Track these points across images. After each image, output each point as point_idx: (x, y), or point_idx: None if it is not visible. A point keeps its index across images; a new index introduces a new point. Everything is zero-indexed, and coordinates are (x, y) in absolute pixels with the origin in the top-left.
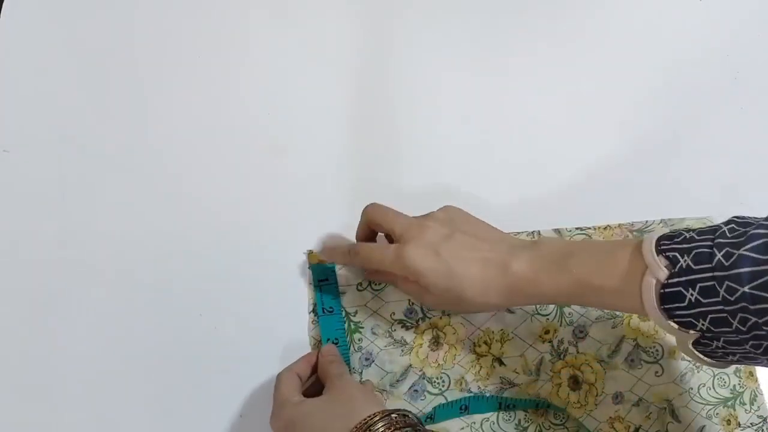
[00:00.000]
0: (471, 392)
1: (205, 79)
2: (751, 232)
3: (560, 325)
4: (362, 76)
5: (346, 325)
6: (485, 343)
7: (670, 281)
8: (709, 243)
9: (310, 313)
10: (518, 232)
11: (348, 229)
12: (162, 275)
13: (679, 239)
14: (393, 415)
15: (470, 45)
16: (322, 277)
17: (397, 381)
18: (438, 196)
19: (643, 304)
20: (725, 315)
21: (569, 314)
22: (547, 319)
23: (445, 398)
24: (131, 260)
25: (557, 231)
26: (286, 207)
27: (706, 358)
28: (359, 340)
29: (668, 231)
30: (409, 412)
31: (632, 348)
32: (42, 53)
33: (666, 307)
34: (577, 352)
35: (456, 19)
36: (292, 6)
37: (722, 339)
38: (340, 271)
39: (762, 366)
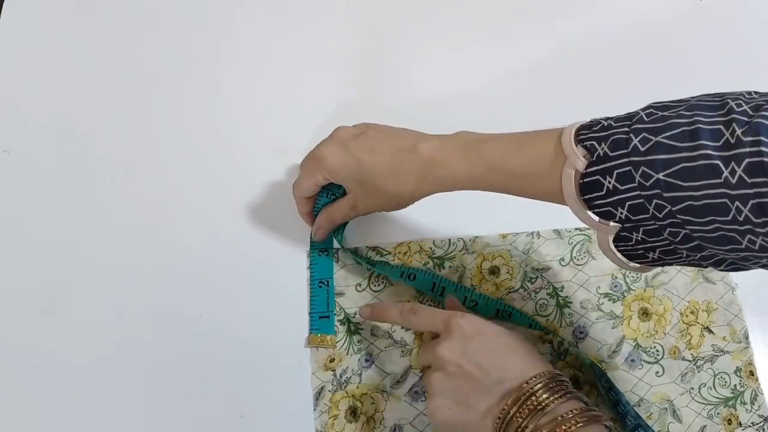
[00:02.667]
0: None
1: (206, 79)
2: (670, 120)
3: (560, 326)
4: (362, 76)
5: (345, 326)
6: None
7: (588, 170)
8: (626, 129)
9: (310, 313)
10: (518, 233)
11: (348, 229)
12: (162, 275)
13: (597, 127)
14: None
15: (470, 45)
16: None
17: (398, 382)
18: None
19: (562, 195)
20: (642, 201)
21: (569, 315)
22: (547, 319)
23: None
24: (131, 260)
25: (557, 231)
26: (286, 207)
27: (626, 260)
28: (359, 341)
29: (587, 121)
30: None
31: (632, 348)
32: (42, 53)
33: (585, 197)
34: (578, 353)
35: (456, 18)
36: (292, 6)
37: (641, 229)
38: (338, 273)
39: (681, 262)
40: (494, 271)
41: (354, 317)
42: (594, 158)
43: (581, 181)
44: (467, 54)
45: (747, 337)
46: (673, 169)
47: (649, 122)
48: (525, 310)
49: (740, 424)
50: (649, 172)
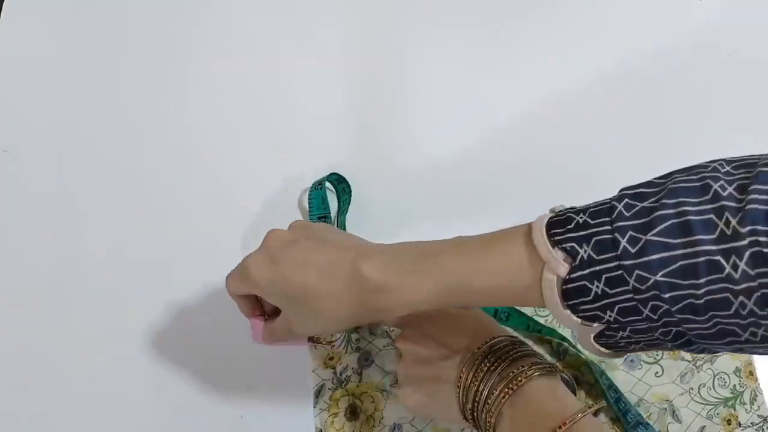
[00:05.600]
0: None
1: (206, 79)
2: (655, 214)
3: (559, 327)
4: (362, 76)
5: None
6: None
7: (572, 276)
8: (608, 228)
9: None
10: None
11: (349, 228)
12: (162, 275)
13: (572, 225)
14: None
15: (471, 44)
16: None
17: (398, 381)
18: (438, 196)
19: (542, 301)
20: (635, 304)
21: None
22: (546, 320)
23: None
24: (131, 260)
25: None
26: (285, 206)
27: (605, 350)
28: (357, 340)
29: (552, 214)
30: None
31: None
32: (42, 53)
33: (570, 303)
34: (577, 353)
35: (456, 18)
36: (293, 5)
37: (629, 328)
38: None
39: (662, 350)
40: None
41: None
42: (577, 262)
43: (564, 287)
44: (469, 54)
45: None
46: (672, 268)
47: (632, 217)
48: (524, 310)
49: (740, 425)
50: (645, 274)
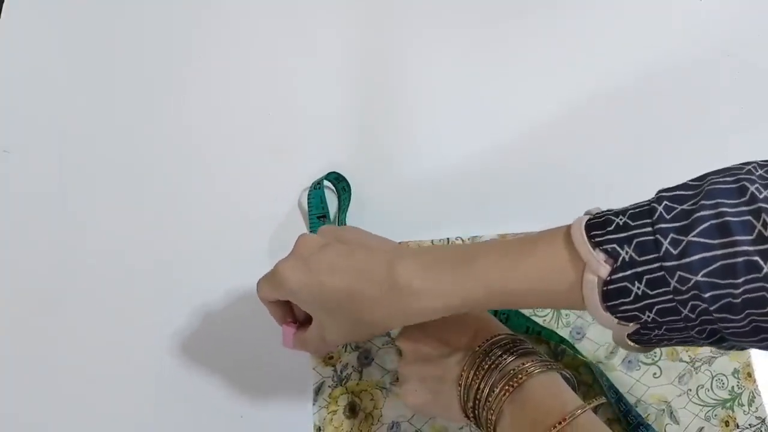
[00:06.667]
0: None
1: (205, 79)
2: (695, 216)
3: (557, 327)
4: (362, 76)
5: None
6: None
7: (613, 277)
8: (649, 229)
9: None
10: (516, 233)
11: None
12: (162, 275)
13: (611, 227)
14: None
15: (472, 44)
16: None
17: (397, 379)
18: (438, 195)
19: (583, 303)
20: (674, 304)
21: (566, 315)
22: (544, 320)
23: None
24: (131, 260)
25: None
26: (285, 206)
27: (635, 345)
28: None
29: (590, 216)
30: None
31: None
32: (42, 53)
33: (609, 304)
34: (575, 354)
35: (456, 17)
36: (293, 5)
37: (665, 327)
38: None
39: (691, 345)
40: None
41: None
42: (619, 264)
43: (605, 288)
44: (470, 53)
45: None
46: (712, 268)
47: (672, 219)
48: (523, 310)
49: (737, 426)
50: (687, 275)
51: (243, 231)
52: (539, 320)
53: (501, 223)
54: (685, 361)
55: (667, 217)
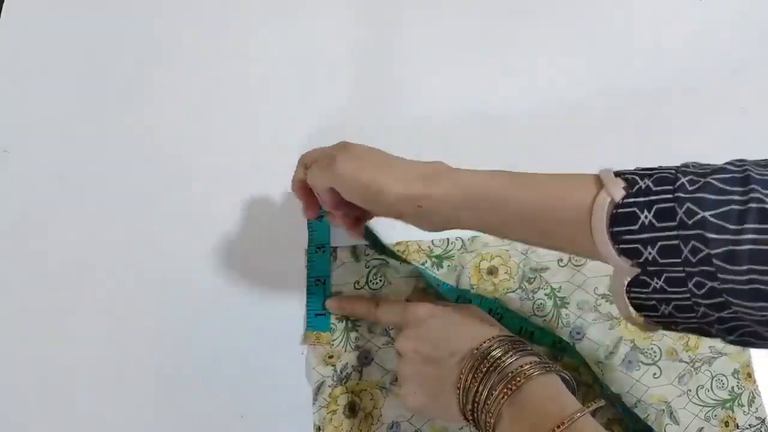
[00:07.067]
0: None
1: (206, 79)
2: (720, 166)
3: (557, 327)
4: (363, 75)
5: (343, 324)
6: None
7: (625, 201)
8: (672, 171)
9: (306, 311)
10: None
11: None
12: (162, 275)
13: (638, 168)
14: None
15: (472, 43)
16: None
17: (397, 379)
18: None
19: (588, 228)
20: (677, 242)
21: (567, 315)
22: (544, 320)
23: None
24: (131, 260)
25: None
26: (286, 207)
27: (636, 313)
28: (356, 338)
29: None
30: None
31: (629, 350)
32: (42, 53)
33: (615, 230)
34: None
35: (456, 17)
36: (294, 5)
37: (664, 276)
38: (336, 271)
39: (691, 323)
40: (492, 271)
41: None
42: (634, 190)
43: (615, 211)
44: (470, 52)
45: None
46: (722, 210)
47: (696, 166)
48: (523, 310)
49: (737, 426)
50: (695, 209)
51: (243, 231)
52: (539, 320)
53: None
54: (685, 362)
55: (692, 167)
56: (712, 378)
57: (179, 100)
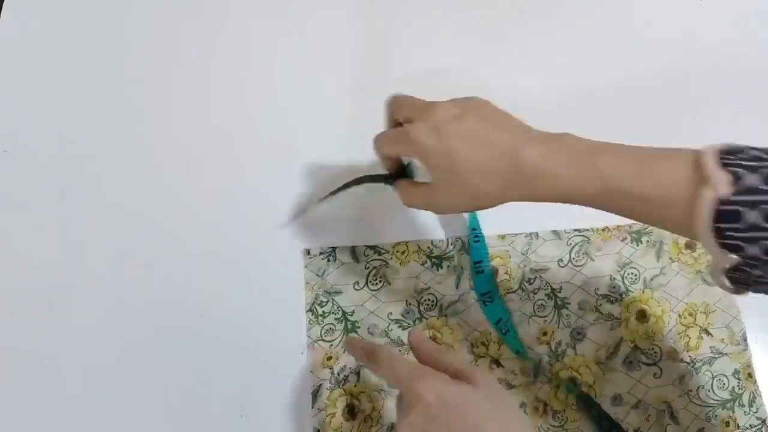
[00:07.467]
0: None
1: (206, 79)
2: None
3: (558, 327)
4: (363, 75)
5: (342, 324)
6: (482, 344)
7: (732, 198)
8: None
9: (307, 312)
10: (516, 234)
11: (348, 228)
12: (162, 275)
13: (743, 155)
14: None
15: (472, 42)
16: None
17: None
18: None
19: (691, 219)
20: None
21: (567, 316)
22: (545, 320)
23: None
24: (131, 260)
25: (555, 233)
26: (286, 207)
27: (731, 285)
28: None
29: (726, 144)
30: None
31: (630, 350)
32: (42, 53)
33: (718, 226)
34: (575, 354)
35: (456, 17)
36: (294, 5)
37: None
38: (335, 271)
39: None
40: (492, 271)
41: (351, 315)
42: (741, 188)
43: (720, 207)
44: (470, 52)
45: (745, 339)
46: None
47: None
48: (523, 310)
49: (738, 427)
50: None
51: (243, 231)
52: (540, 320)
53: (500, 225)
54: (685, 362)
55: None
56: (713, 378)
57: (179, 101)
